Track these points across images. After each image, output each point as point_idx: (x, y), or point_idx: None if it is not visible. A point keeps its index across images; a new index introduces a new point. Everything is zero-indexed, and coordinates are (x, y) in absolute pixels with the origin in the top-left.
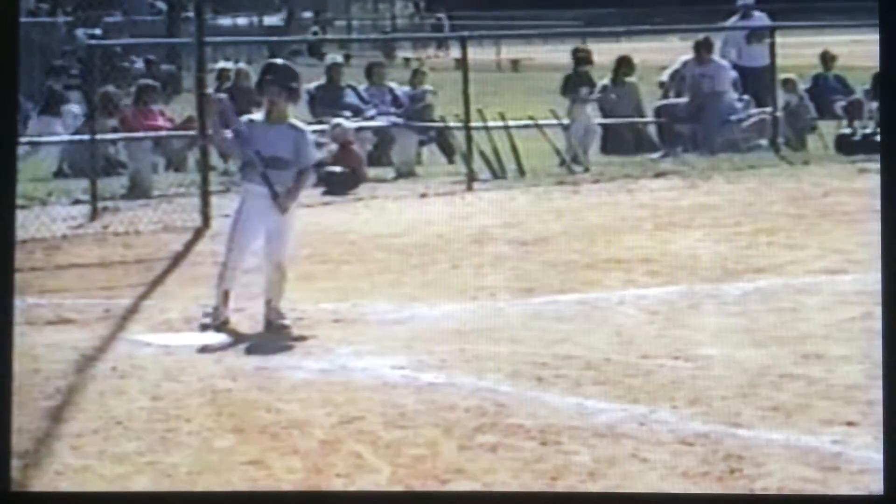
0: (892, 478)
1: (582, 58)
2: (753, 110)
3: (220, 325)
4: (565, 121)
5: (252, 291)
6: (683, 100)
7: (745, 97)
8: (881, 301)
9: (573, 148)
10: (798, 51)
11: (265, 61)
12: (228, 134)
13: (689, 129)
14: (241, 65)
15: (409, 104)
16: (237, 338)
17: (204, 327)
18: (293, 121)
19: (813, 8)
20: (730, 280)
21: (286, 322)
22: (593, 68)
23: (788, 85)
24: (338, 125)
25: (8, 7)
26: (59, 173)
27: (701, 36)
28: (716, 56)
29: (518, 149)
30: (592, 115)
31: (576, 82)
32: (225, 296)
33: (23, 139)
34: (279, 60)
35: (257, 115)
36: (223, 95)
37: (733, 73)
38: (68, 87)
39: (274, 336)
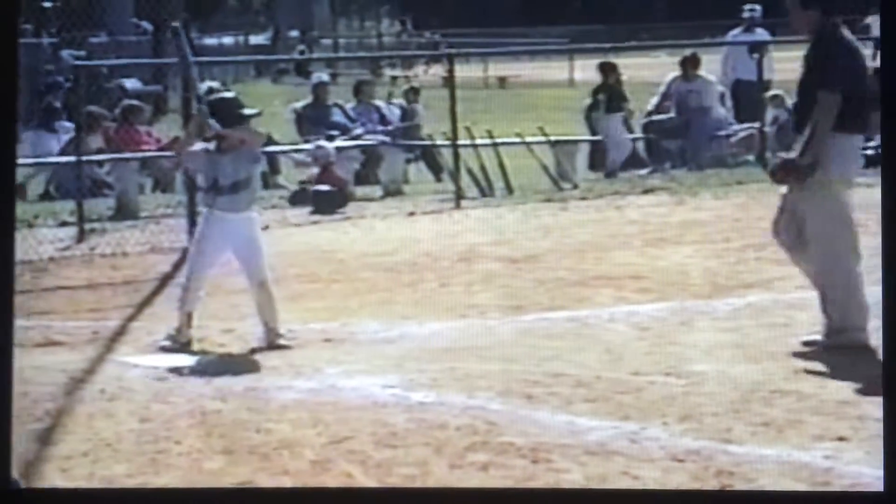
0: (892, 477)
1: (609, 70)
2: (737, 126)
3: (183, 347)
4: (553, 138)
5: (241, 312)
6: (671, 115)
7: (727, 111)
8: (882, 299)
9: (561, 164)
10: (793, 66)
11: (210, 99)
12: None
13: (676, 145)
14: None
15: (402, 120)
16: (225, 359)
17: (164, 349)
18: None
19: None
20: (720, 296)
21: (286, 343)
22: (618, 82)
23: (776, 100)
24: (319, 147)
25: (7, 24)
26: (45, 195)
27: (688, 52)
28: (703, 72)
29: (506, 166)
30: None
31: (608, 95)
32: (188, 317)
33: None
34: (223, 94)
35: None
36: (203, 108)
37: (720, 88)
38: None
39: (262, 356)
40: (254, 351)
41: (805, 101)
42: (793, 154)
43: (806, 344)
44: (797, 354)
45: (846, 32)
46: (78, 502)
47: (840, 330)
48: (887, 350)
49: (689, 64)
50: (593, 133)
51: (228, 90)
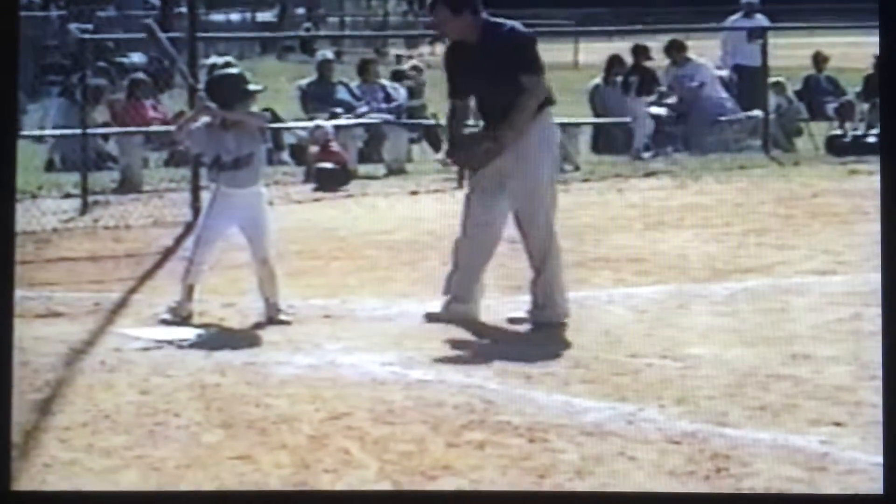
0: (892, 478)
1: (641, 53)
2: (742, 114)
3: (183, 320)
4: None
5: (241, 287)
6: (672, 100)
7: (728, 94)
8: (881, 302)
9: (564, 146)
10: (790, 52)
11: (215, 75)
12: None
13: (678, 129)
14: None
15: (407, 99)
16: (225, 333)
17: (164, 322)
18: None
19: (805, 10)
20: (719, 280)
21: (286, 318)
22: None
23: (778, 87)
24: (317, 127)
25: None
26: (49, 167)
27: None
28: (692, 55)
29: None
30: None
31: (640, 78)
32: (189, 290)
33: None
34: (228, 70)
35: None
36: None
37: (716, 72)
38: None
39: (262, 331)
40: (255, 326)
41: (498, 90)
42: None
43: (512, 321)
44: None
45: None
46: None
47: (543, 307)
48: (887, 350)
49: (675, 49)
50: (597, 115)
51: (230, 65)
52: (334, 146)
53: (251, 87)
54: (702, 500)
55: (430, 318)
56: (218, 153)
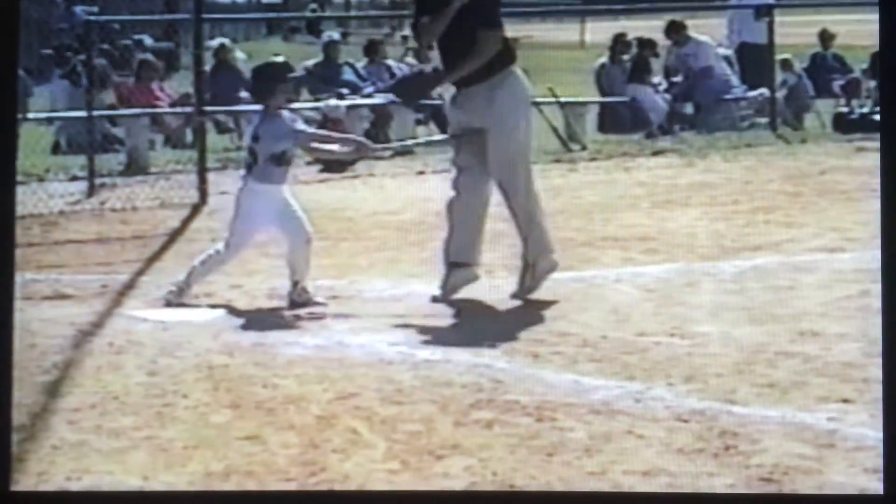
0: (891, 480)
1: (674, 32)
2: (751, 93)
3: (183, 302)
4: (563, 99)
5: (248, 268)
6: (678, 79)
7: (733, 73)
8: (881, 295)
9: (571, 125)
10: (797, 29)
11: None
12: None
13: (685, 107)
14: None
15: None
16: (233, 314)
17: (168, 303)
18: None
19: None
20: (727, 258)
21: (319, 299)
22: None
23: (786, 65)
24: (326, 106)
25: None
26: (55, 149)
27: (666, 18)
28: (694, 34)
29: None
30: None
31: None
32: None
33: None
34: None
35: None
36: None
37: (719, 50)
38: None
39: (269, 313)
40: (263, 307)
41: (455, 41)
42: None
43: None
44: None
45: None
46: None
47: (534, 263)
48: (887, 350)
49: (673, 30)
50: (603, 95)
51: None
52: (343, 127)
53: (294, 74)
54: (701, 500)
55: (436, 299)
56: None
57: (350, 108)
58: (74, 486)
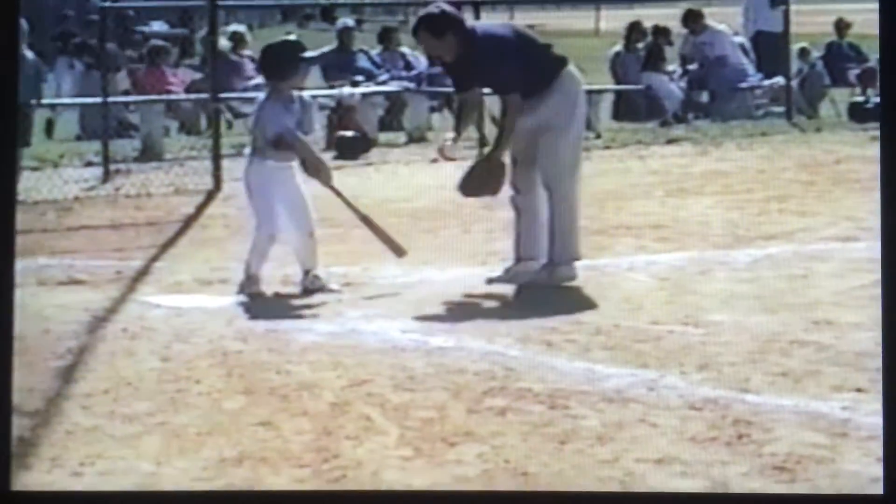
0: (891, 480)
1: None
2: (765, 81)
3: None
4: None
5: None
6: (693, 67)
7: (749, 62)
8: (881, 300)
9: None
10: (812, 18)
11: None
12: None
13: (700, 96)
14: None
15: (428, 67)
16: (247, 300)
17: (244, 292)
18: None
19: None
20: (740, 247)
21: (333, 286)
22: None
23: (804, 53)
24: (340, 94)
25: None
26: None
27: (682, 6)
28: (711, 22)
29: None
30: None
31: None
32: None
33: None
34: (286, 38)
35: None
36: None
37: (736, 38)
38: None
39: (283, 299)
40: (278, 293)
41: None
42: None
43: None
44: None
45: (484, 34)
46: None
47: (556, 265)
48: (887, 351)
49: (691, 18)
50: (618, 83)
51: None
52: (356, 114)
53: (307, 55)
54: (701, 500)
55: (491, 280)
56: (265, 127)
57: (364, 95)
58: (88, 472)
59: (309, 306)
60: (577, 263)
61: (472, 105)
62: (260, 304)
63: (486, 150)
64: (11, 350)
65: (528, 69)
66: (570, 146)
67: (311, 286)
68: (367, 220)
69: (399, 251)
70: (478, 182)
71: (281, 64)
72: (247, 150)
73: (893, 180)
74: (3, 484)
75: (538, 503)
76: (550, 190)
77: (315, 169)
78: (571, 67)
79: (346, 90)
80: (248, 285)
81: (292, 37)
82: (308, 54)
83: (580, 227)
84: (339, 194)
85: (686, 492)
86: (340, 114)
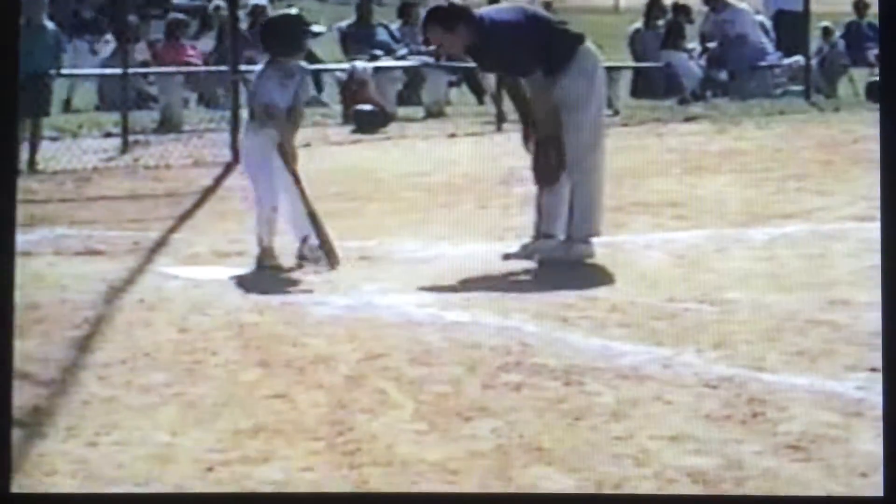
0: (891, 481)
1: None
2: (786, 61)
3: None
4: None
5: (278, 228)
6: (712, 44)
7: (769, 40)
8: (881, 300)
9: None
10: None
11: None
12: None
13: (719, 74)
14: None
15: None
16: (264, 273)
17: (261, 265)
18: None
19: None
20: (757, 225)
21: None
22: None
23: (827, 33)
24: (353, 68)
25: None
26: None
27: None
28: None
29: None
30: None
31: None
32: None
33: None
34: (286, 12)
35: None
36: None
37: (757, 17)
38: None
39: (300, 272)
40: (294, 265)
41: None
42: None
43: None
44: None
45: (497, 20)
46: None
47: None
48: (887, 352)
49: None
50: (637, 60)
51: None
52: (371, 89)
53: (313, 29)
54: (700, 501)
55: (508, 256)
56: (283, 103)
57: (382, 69)
58: (104, 441)
59: (326, 279)
60: (594, 240)
61: (510, 89)
62: (277, 276)
63: (504, 125)
64: (12, 351)
65: (542, 50)
66: (591, 123)
67: (310, 255)
68: (313, 217)
69: (333, 261)
70: (546, 167)
71: (282, 38)
72: (245, 121)
73: (893, 164)
74: (4, 486)
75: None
76: (572, 167)
77: (282, 147)
78: (588, 44)
79: (359, 64)
80: (264, 258)
81: (293, 10)
82: (314, 28)
83: (602, 205)
84: (297, 181)
85: (685, 493)
86: (354, 88)
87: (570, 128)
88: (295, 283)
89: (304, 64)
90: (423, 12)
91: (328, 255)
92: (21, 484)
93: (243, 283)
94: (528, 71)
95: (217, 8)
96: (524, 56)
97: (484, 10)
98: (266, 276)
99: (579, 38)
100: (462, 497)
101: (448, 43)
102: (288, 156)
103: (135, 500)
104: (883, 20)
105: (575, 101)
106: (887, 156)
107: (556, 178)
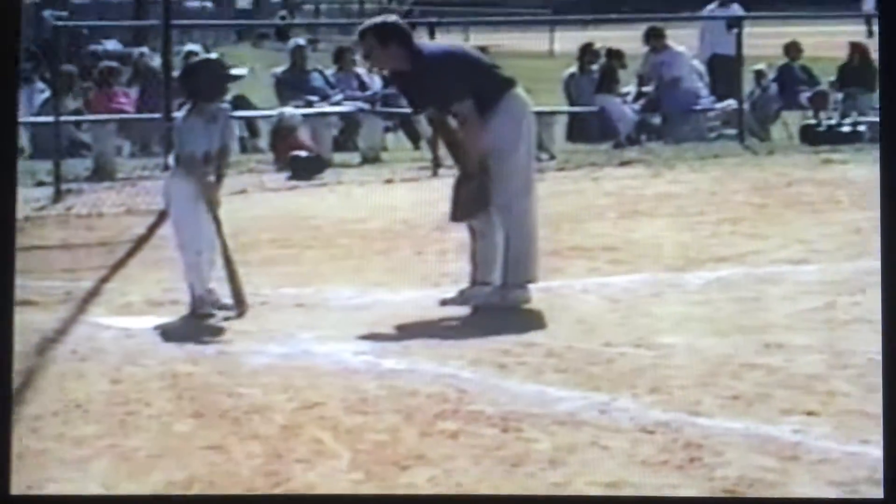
0: (891, 483)
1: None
2: (719, 105)
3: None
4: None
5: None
6: (647, 88)
7: (704, 85)
8: (881, 301)
9: (539, 135)
10: (764, 41)
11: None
12: None
13: (653, 118)
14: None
15: (382, 87)
16: (199, 322)
17: (196, 314)
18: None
19: None
20: (692, 269)
21: (226, 301)
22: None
23: (760, 76)
24: (281, 114)
25: None
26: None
27: (647, 25)
28: (671, 42)
29: None
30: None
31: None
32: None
33: None
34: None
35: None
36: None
37: (693, 62)
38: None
39: (235, 321)
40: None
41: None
42: None
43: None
44: None
45: (430, 50)
46: None
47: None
48: (887, 352)
49: (653, 35)
50: (572, 104)
51: (208, 52)
52: (302, 135)
53: (234, 71)
54: (700, 501)
55: (444, 302)
56: (208, 148)
57: (319, 115)
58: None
59: (262, 327)
60: (532, 285)
61: (439, 126)
62: (211, 325)
63: (440, 170)
64: (12, 353)
65: (473, 86)
66: (520, 168)
67: (211, 302)
68: (228, 262)
69: (241, 309)
70: (467, 202)
71: (203, 82)
72: (171, 165)
73: (893, 195)
74: (3, 488)
75: None
76: (503, 213)
77: (207, 191)
78: (518, 90)
79: (287, 110)
80: (198, 306)
81: (214, 55)
82: (235, 71)
83: (537, 250)
84: (218, 225)
85: (683, 496)
86: (284, 134)
87: (499, 173)
88: (230, 331)
89: (226, 107)
90: (357, 58)
91: (237, 303)
92: None
93: (177, 332)
94: (456, 98)
95: (142, 55)
96: (458, 89)
97: (422, 41)
98: (201, 325)
99: (510, 83)
100: (462, 497)
101: (378, 58)
102: (213, 203)
103: (135, 501)
104: (885, 81)
105: (502, 145)
106: (887, 198)
107: (471, 215)
